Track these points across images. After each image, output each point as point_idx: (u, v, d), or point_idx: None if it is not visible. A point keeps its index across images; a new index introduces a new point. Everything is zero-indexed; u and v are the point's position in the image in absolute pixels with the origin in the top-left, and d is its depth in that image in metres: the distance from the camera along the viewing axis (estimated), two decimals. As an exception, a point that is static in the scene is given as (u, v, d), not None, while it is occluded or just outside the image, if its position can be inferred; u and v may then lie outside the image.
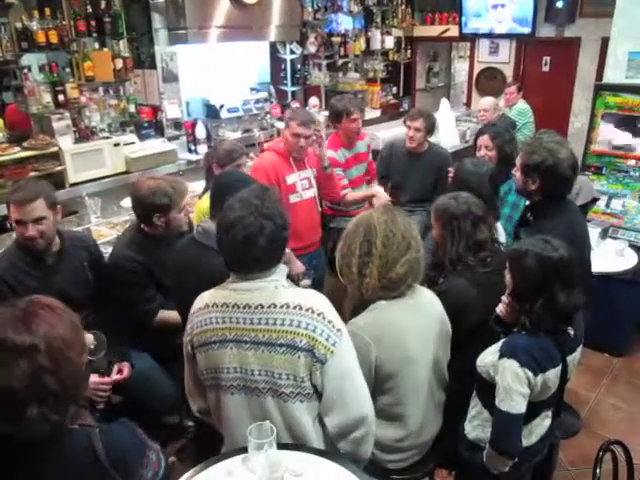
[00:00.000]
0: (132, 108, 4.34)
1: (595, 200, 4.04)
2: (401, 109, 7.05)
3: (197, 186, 3.96)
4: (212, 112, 4.98)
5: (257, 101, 5.24)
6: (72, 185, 3.88)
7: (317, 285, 3.44)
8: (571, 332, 1.94)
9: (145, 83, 4.60)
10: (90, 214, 3.76)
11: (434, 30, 7.32)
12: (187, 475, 1.60)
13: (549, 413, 2.00)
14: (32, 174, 3.67)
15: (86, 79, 4.02)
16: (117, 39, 4.17)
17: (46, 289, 2.35)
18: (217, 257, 1.72)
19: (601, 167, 4.25)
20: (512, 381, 1.79)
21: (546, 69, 6.74)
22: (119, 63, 4.18)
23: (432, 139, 4.19)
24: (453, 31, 7.13)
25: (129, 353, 2.62)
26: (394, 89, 7.22)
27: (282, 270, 1.69)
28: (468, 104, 7.49)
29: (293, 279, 3.06)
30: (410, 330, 1.93)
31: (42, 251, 2.42)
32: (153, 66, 4.54)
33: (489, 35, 6.88)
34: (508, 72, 6.93)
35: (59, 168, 3.83)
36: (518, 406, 1.80)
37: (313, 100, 5.71)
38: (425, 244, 2.08)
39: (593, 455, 2.00)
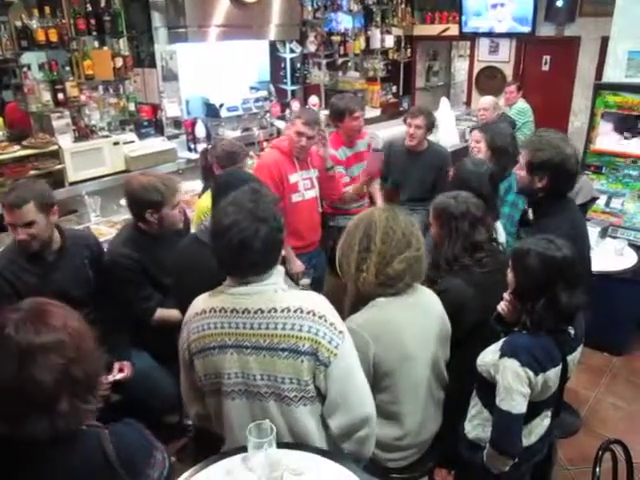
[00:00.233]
0: (132, 107, 4.34)
1: (594, 199, 4.03)
2: (401, 108, 7.05)
3: (197, 185, 3.96)
4: (212, 111, 4.97)
5: (257, 100, 5.23)
6: (72, 184, 3.88)
7: (317, 284, 3.45)
8: (572, 332, 1.94)
9: (145, 82, 4.59)
10: (90, 213, 3.76)
11: (434, 29, 7.31)
12: (187, 474, 1.60)
13: (549, 413, 2.00)
14: (32, 173, 3.67)
15: (86, 78, 4.02)
16: (117, 38, 4.17)
17: (46, 286, 2.36)
18: None
19: (601, 166, 4.25)
20: (513, 381, 1.79)
21: (546, 68, 6.74)
22: (119, 62, 4.17)
23: (432, 138, 4.19)
24: (453, 30, 7.12)
25: (129, 352, 2.62)
26: (394, 88, 7.22)
27: (279, 272, 1.67)
28: (468, 103, 7.49)
29: (293, 278, 3.06)
30: (409, 328, 1.93)
31: (39, 251, 2.42)
32: (153, 65, 4.53)
33: (489, 34, 6.88)
34: (508, 71, 6.92)
35: (59, 167, 3.82)
36: (519, 406, 1.79)
37: (313, 99, 5.71)
38: (425, 243, 2.08)
39: (593, 454, 2.00)
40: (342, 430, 1.65)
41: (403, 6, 6.97)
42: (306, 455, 1.60)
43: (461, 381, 2.08)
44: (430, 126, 3.90)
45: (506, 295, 1.99)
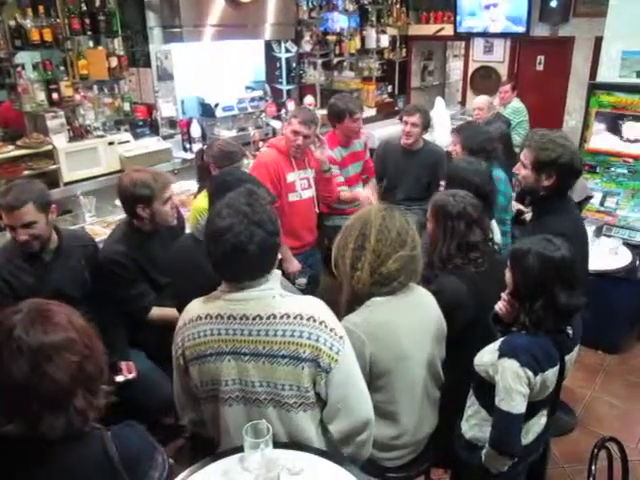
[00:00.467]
0: (127, 106, 4.32)
1: (589, 198, 4.05)
2: (396, 108, 7.05)
3: (192, 185, 3.96)
4: (207, 111, 4.97)
5: (252, 100, 5.23)
6: (66, 184, 3.87)
7: (313, 283, 3.46)
8: (570, 332, 1.94)
9: (140, 81, 4.58)
10: (85, 213, 3.75)
11: (429, 29, 7.32)
12: (183, 475, 1.59)
13: (545, 411, 2.00)
14: (26, 173, 3.65)
15: (80, 77, 4.00)
16: (112, 37, 4.15)
17: (43, 286, 2.36)
18: None
19: (595, 165, 4.27)
20: (512, 381, 1.78)
21: (540, 68, 6.75)
22: (114, 61, 4.15)
23: (427, 137, 4.19)
24: (448, 30, 7.13)
25: (128, 351, 2.62)
26: (389, 88, 7.22)
27: (276, 276, 1.65)
28: (463, 103, 7.50)
29: (289, 278, 3.07)
30: (405, 328, 1.94)
31: (36, 251, 2.41)
32: (148, 64, 4.52)
33: (484, 34, 6.89)
34: (503, 71, 6.93)
35: (53, 167, 3.81)
36: (518, 406, 1.79)
37: (308, 99, 5.70)
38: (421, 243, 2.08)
39: (588, 452, 2.01)
40: (342, 434, 1.64)
41: (398, 6, 6.98)
42: (302, 455, 1.60)
43: (456, 380, 2.08)
44: (426, 124, 3.90)
45: (504, 295, 1.99)
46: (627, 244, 3.73)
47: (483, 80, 7.15)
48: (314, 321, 1.55)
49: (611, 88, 4.14)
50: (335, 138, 3.80)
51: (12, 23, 3.64)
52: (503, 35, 6.78)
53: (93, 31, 4.02)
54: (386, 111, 6.74)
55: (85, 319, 1.29)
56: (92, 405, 1.22)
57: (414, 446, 2.08)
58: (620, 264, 3.50)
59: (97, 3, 3.98)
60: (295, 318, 1.55)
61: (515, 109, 5.55)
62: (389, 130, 5.59)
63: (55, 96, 3.86)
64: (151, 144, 4.35)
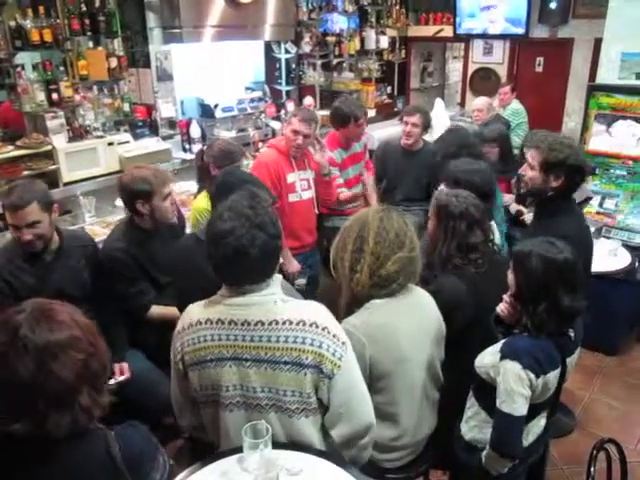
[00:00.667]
0: (126, 107, 4.33)
1: (588, 199, 4.06)
2: (395, 109, 7.06)
3: (192, 185, 3.95)
4: (207, 111, 4.97)
5: (252, 100, 5.23)
6: (66, 184, 3.87)
7: (312, 284, 3.46)
8: (572, 334, 1.94)
9: (139, 82, 4.58)
10: (84, 213, 3.75)
11: (428, 30, 7.33)
12: (182, 475, 1.59)
13: (545, 413, 2.00)
14: (25, 173, 3.66)
15: (80, 78, 4.01)
16: (111, 38, 4.16)
17: (43, 286, 2.36)
18: None
19: (594, 167, 4.27)
20: (514, 383, 1.78)
21: (539, 69, 6.76)
22: (113, 62, 4.16)
23: (426, 138, 4.19)
24: (447, 31, 7.13)
25: (126, 350, 2.62)
26: (388, 89, 7.23)
27: (277, 280, 1.63)
28: (462, 104, 7.50)
29: (288, 278, 3.07)
30: (404, 330, 1.93)
31: (38, 251, 2.41)
32: (147, 65, 4.52)
33: (483, 35, 6.89)
34: (502, 72, 6.94)
35: (53, 167, 3.81)
36: (520, 408, 1.79)
37: (308, 100, 5.71)
38: (420, 244, 2.08)
39: (587, 454, 2.00)
40: (344, 439, 1.64)
41: (398, 7, 6.98)
42: (301, 455, 1.60)
43: (456, 381, 2.08)
44: (426, 125, 3.90)
45: (506, 297, 1.99)
46: (626, 246, 3.74)
47: (482, 81, 7.16)
48: (316, 327, 1.54)
49: (610, 90, 4.14)
50: (336, 140, 3.80)
51: (12, 23, 3.64)
52: (502, 36, 6.78)
53: (93, 32, 4.03)
54: (385, 112, 6.74)
55: (87, 317, 1.30)
56: (97, 402, 1.23)
57: (413, 447, 2.07)
58: (619, 266, 3.50)
59: (97, 4, 3.99)
60: (298, 324, 1.54)
61: (514, 110, 5.55)
62: (389, 131, 5.60)
63: (55, 96, 3.86)
64: (151, 144, 4.36)
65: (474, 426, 1.98)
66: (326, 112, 5.75)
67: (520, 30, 6.52)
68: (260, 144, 4.90)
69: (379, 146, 4.33)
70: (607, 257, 3.52)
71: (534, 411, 1.89)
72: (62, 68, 3.93)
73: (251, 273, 1.56)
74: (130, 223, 2.68)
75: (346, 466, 1.61)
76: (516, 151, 4.30)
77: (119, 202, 3.73)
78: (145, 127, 4.50)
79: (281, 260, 1.75)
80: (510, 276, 1.96)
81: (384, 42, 6.72)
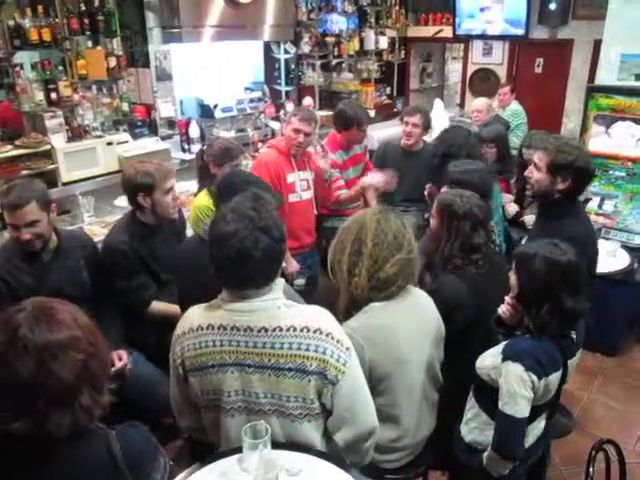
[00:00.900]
0: (125, 107, 4.33)
1: (587, 200, 4.06)
2: (395, 109, 7.06)
3: (192, 185, 3.95)
4: (206, 111, 4.97)
5: (251, 100, 5.23)
6: (65, 184, 3.87)
7: (311, 284, 3.46)
8: (574, 336, 1.93)
9: (139, 82, 4.58)
10: (83, 213, 3.74)
11: (428, 31, 7.33)
12: (182, 475, 1.59)
13: (544, 414, 2.00)
14: (24, 172, 3.65)
15: (79, 77, 4.01)
16: (110, 37, 4.15)
17: (41, 286, 2.35)
18: None
19: (594, 168, 4.26)
20: (517, 385, 1.77)
21: (539, 70, 6.76)
22: (112, 61, 4.16)
23: (426, 139, 4.19)
24: (447, 32, 7.13)
25: (121, 341, 2.61)
26: (388, 89, 7.23)
27: (279, 284, 1.61)
28: (461, 105, 7.51)
29: (287, 278, 3.06)
30: (403, 332, 1.92)
31: (36, 250, 2.41)
32: (147, 65, 4.52)
33: (482, 36, 6.90)
34: (501, 73, 6.95)
35: (51, 167, 3.81)
36: (522, 410, 1.79)
37: (307, 100, 5.71)
38: (418, 245, 2.07)
39: (586, 454, 2.01)
40: (348, 443, 1.63)
41: (397, 7, 6.98)
42: (301, 456, 1.60)
43: (455, 382, 2.08)
44: (427, 125, 3.90)
45: (508, 298, 1.98)
46: (625, 247, 3.74)
47: (482, 82, 7.16)
48: (320, 333, 1.52)
49: (610, 91, 4.14)
50: (337, 142, 3.79)
51: (11, 23, 3.64)
52: (502, 37, 6.79)
53: (92, 31, 4.03)
54: (385, 113, 6.74)
55: (88, 316, 1.29)
56: (97, 402, 1.23)
57: (412, 448, 2.07)
58: (618, 266, 3.50)
59: (96, 3, 3.99)
60: (302, 330, 1.52)
61: (514, 111, 5.56)
62: (388, 131, 5.60)
63: (54, 96, 3.86)
64: (150, 144, 4.35)
65: (474, 428, 1.98)
66: (325, 112, 5.78)
67: (520, 31, 6.53)
68: (259, 144, 4.90)
69: (379, 147, 4.33)
70: (606, 258, 3.52)
71: (535, 413, 1.88)
72: (61, 67, 3.92)
73: (254, 277, 1.53)
74: (132, 218, 2.69)
75: (346, 467, 1.61)
76: (515, 152, 4.30)
77: (118, 202, 3.75)
78: (144, 127, 4.50)
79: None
80: (512, 277, 1.95)
81: (383, 43, 6.73)
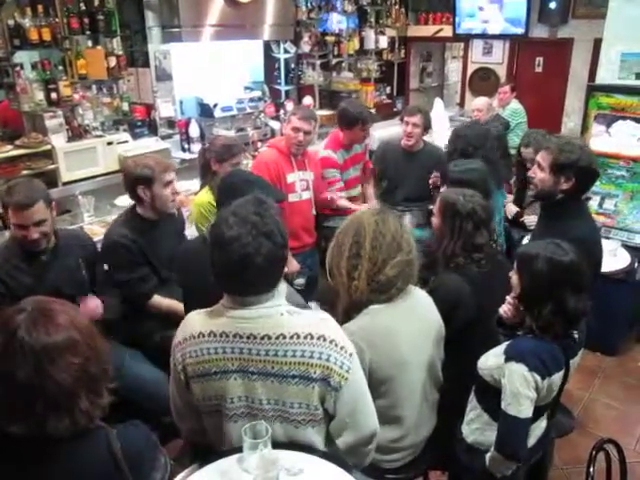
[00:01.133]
0: (125, 106, 4.33)
1: (587, 199, 4.05)
2: (395, 109, 7.06)
3: (191, 185, 3.95)
4: (206, 111, 4.97)
5: (251, 100, 5.23)
6: (65, 184, 3.87)
7: (311, 284, 3.45)
8: (576, 336, 1.93)
9: (138, 81, 4.58)
10: (83, 213, 3.74)
11: (428, 30, 7.33)
12: (182, 475, 1.58)
13: (546, 414, 2.00)
14: (24, 172, 3.65)
15: (79, 77, 4.01)
16: (110, 37, 4.15)
17: (40, 286, 2.34)
18: None
19: (597, 168, 4.26)
20: (521, 385, 1.77)
21: (539, 70, 6.76)
22: (112, 61, 4.16)
23: (426, 139, 4.19)
24: (447, 31, 7.14)
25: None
26: (388, 89, 7.23)
27: (283, 290, 1.58)
28: (461, 104, 7.51)
29: (287, 278, 3.06)
30: (404, 334, 1.91)
31: (35, 250, 2.41)
32: (146, 64, 4.53)
33: (482, 35, 6.90)
34: (501, 72, 6.94)
35: (52, 166, 3.81)
36: (526, 410, 1.78)
37: (307, 99, 5.71)
38: (418, 245, 2.06)
39: (586, 454, 2.00)
40: (349, 446, 1.63)
41: (397, 7, 6.98)
42: (302, 456, 1.60)
43: (455, 382, 2.07)
44: (427, 125, 3.90)
45: (509, 298, 1.98)
46: (626, 246, 3.74)
47: (482, 82, 7.16)
48: (324, 340, 1.51)
49: (610, 90, 4.13)
50: (338, 141, 3.79)
51: (11, 22, 3.64)
52: (502, 36, 6.79)
53: (92, 31, 4.03)
54: (385, 112, 6.74)
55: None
56: (96, 405, 1.23)
57: (413, 448, 2.07)
58: (619, 266, 3.50)
59: (96, 3, 3.99)
60: (305, 338, 1.50)
61: (514, 110, 5.55)
62: (388, 131, 5.59)
63: (54, 96, 3.86)
64: (150, 144, 4.35)
65: (476, 429, 1.97)
66: (325, 112, 5.78)
67: (520, 30, 6.53)
68: (259, 144, 4.90)
69: (379, 146, 4.33)
70: (607, 257, 3.50)
71: (537, 413, 1.87)
72: (61, 67, 3.92)
73: (255, 282, 1.50)
74: (132, 212, 2.72)
75: (347, 467, 1.60)
76: (513, 151, 4.30)
77: (118, 201, 3.75)
78: (144, 127, 4.50)
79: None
80: (514, 278, 1.94)
81: (383, 42, 6.73)
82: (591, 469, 1.94)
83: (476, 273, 2.21)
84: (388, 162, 4.03)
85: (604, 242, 3.63)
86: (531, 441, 1.94)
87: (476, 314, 2.15)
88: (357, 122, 3.63)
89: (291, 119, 3.26)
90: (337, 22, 6.03)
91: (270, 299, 1.53)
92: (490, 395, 1.89)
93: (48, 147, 3.79)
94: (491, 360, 1.91)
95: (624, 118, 4.07)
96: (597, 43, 4.89)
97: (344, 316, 1.92)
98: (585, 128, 4.31)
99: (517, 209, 3.84)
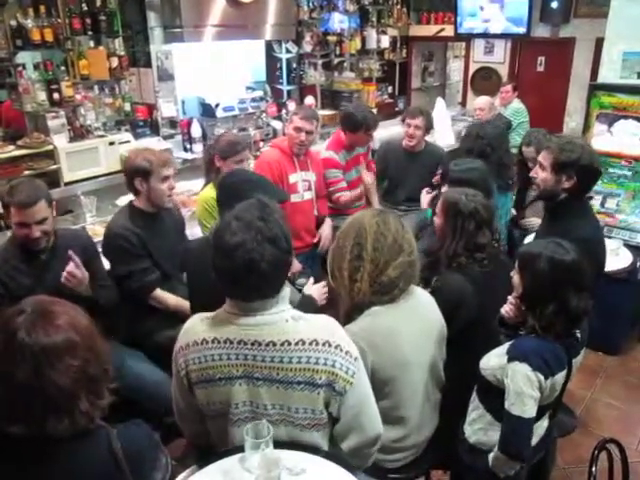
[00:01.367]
0: (127, 107, 4.33)
1: (589, 198, 4.05)
2: (397, 108, 7.06)
3: (193, 185, 3.96)
4: (208, 111, 4.96)
5: (253, 100, 5.23)
6: (67, 184, 3.87)
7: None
8: (579, 335, 1.93)
9: (140, 82, 4.58)
10: (85, 213, 3.74)
11: (429, 30, 7.32)
12: (184, 475, 1.58)
13: (547, 414, 2.00)
14: (26, 173, 3.65)
15: (81, 77, 4.00)
16: (112, 37, 4.15)
17: (39, 286, 2.34)
18: None
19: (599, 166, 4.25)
20: (524, 385, 1.76)
21: (541, 69, 6.75)
22: (114, 61, 4.16)
23: (428, 138, 4.19)
24: (448, 31, 7.13)
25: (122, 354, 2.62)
26: (390, 88, 7.22)
27: (286, 295, 1.57)
28: (463, 104, 7.50)
29: (289, 278, 3.06)
30: (406, 334, 1.91)
31: (35, 249, 2.41)
32: (148, 64, 4.52)
33: (484, 35, 6.89)
34: (503, 72, 6.94)
35: (54, 167, 3.81)
36: (530, 410, 1.78)
37: (309, 99, 5.70)
38: (419, 245, 2.06)
39: (588, 454, 2.00)
40: (353, 449, 1.63)
41: (399, 7, 6.97)
42: (304, 455, 1.60)
43: (457, 381, 2.07)
44: (429, 126, 3.90)
45: (511, 298, 1.98)
46: (628, 245, 3.73)
47: (484, 81, 7.15)
48: (329, 346, 1.50)
49: (612, 89, 4.13)
50: (340, 142, 3.79)
51: (13, 23, 3.64)
52: (504, 36, 6.78)
53: (94, 31, 4.03)
54: (386, 112, 6.73)
55: (89, 317, 1.29)
56: (96, 406, 1.23)
57: (415, 448, 2.07)
58: (621, 265, 3.49)
59: (98, 3, 3.98)
60: (311, 344, 1.49)
61: (515, 110, 5.55)
62: (390, 131, 5.59)
63: (56, 96, 3.86)
64: (152, 144, 4.32)
65: (478, 429, 1.97)
66: (327, 112, 5.78)
67: (521, 29, 6.52)
68: (261, 144, 4.90)
69: (380, 146, 4.33)
70: (609, 256, 3.50)
71: (539, 412, 1.87)
72: (63, 68, 3.92)
73: (260, 288, 1.49)
74: (131, 207, 2.76)
75: (349, 467, 1.60)
76: (514, 150, 4.29)
77: (120, 202, 3.75)
78: (146, 127, 4.51)
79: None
80: (515, 277, 1.94)
81: (385, 42, 6.72)
82: (593, 469, 1.94)
83: (478, 273, 2.21)
84: (389, 162, 4.04)
85: (606, 241, 3.65)
86: (533, 440, 1.93)
87: (478, 314, 2.15)
88: (361, 127, 3.63)
89: (293, 119, 3.27)
90: (339, 22, 6.02)
91: (274, 305, 1.52)
92: (493, 395, 1.89)
93: (50, 147, 3.80)
94: (493, 360, 1.91)
95: (626, 117, 4.07)
96: (599, 42, 4.88)
97: (346, 318, 1.92)
98: (587, 127, 4.31)
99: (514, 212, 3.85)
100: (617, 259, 3.52)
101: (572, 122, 6.41)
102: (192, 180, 4.07)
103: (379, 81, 6.90)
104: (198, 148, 4.60)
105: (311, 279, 2.51)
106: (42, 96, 3.82)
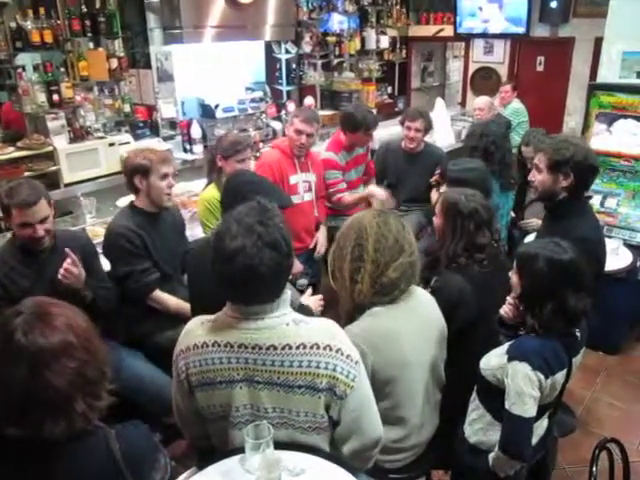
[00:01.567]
0: (127, 108, 4.33)
1: (589, 198, 4.05)
2: (396, 109, 7.06)
3: (193, 186, 3.96)
4: (207, 112, 4.97)
5: (252, 101, 5.23)
6: (67, 185, 3.87)
7: (312, 285, 3.45)
8: (578, 334, 1.93)
9: (140, 83, 4.59)
10: (85, 214, 3.74)
11: (429, 30, 7.33)
12: (184, 475, 1.58)
13: (547, 413, 2.00)
14: (26, 174, 3.65)
15: (81, 79, 4.01)
16: (112, 39, 4.16)
17: (38, 286, 2.35)
18: None
19: (595, 162, 4.25)
20: (524, 384, 1.76)
21: (540, 69, 6.76)
22: (114, 63, 4.17)
23: (427, 139, 4.19)
24: (448, 31, 7.14)
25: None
26: (389, 89, 7.24)
27: (287, 298, 1.56)
28: (463, 104, 7.51)
29: (290, 279, 3.06)
30: (406, 335, 1.91)
31: (35, 250, 2.41)
32: (148, 66, 4.53)
33: (483, 35, 6.90)
34: (503, 72, 6.95)
35: (53, 168, 3.82)
36: (530, 409, 1.78)
37: (308, 100, 5.71)
38: (419, 245, 2.06)
39: (589, 453, 2.01)
40: (354, 452, 1.62)
41: (398, 7, 6.99)
42: (304, 456, 1.60)
43: (457, 381, 2.07)
44: (428, 128, 3.90)
45: (510, 298, 1.98)
46: (628, 245, 3.73)
47: (483, 81, 7.16)
48: (330, 350, 1.49)
49: (611, 89, 4.13)
50: (340, 143, 3.79)
51: (13, 24, 3.65)
52: (503, 36, 6.79)
53: (93, 32, 4.04)
54: (386, 112, 6.73)
55: (87, 319, 1.29)
56: (93, 408, 1.22)
57: (415, 448, 2.06)
58: (621, 265, 3.49)
59: (97, 4, 3.99)
60: (312, 348, 1.48)
61: (515, 110, 5.55)
62: (389, 131, 5.58)
63: (56, 97, 3.87)
64: (151, 145, 4.33)
65: (479, 429, 1.97)
66: (327, 112, 5.78)
67: (521, 29, 6.53)
68: (261, 144, 4.90)
69: (380, 147, 4.33)
70: (609, 256, 3.50)
71: (539, 412, 1.87)
72: (63, 69, 3.93)
73: (260, 292, 1.49)
74: (131, 207, 2.76)
75: (350, 468, 1.60)
76: (515, 150, 4.30)
77: (120, 203, 3.75)
78: (146, 128, 4.51)
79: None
80: (514, 278, 1.94)
81: (384, 42, 6.73)
82: (594, 469, 1.94)
83: (477, 273, 2.21)
84: (389, 163, 4.03)
85: (606, 241, 3.65)
86: (533, 440, 1.93)
87: (477, 314, 2.15)
88: (361, 127, 3.62)
89: (293, 121, 3.27)
90: (338, 22, 6.03)
91: (275, 309, 1.51)
92: (493, 395, 1.89)
93: (50, 149, 3.80)
94: (493, 360, 1.91)
95: (625, 117, 4.07)
96: (598, 42, 4.88)
97: (347, 318, 1.92)
98: (586, 127, 4.31)
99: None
100: (617, 259, 3.52)
101: (572, 121, 6.41)
102: (192, 181, 4.07)
103: (379, 81, 6.91)
104: (198, 149, 4.61)
105: (309, 290, 2.51)
106: (42, 97, 3.83)
